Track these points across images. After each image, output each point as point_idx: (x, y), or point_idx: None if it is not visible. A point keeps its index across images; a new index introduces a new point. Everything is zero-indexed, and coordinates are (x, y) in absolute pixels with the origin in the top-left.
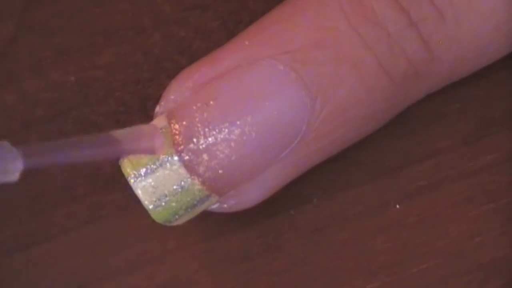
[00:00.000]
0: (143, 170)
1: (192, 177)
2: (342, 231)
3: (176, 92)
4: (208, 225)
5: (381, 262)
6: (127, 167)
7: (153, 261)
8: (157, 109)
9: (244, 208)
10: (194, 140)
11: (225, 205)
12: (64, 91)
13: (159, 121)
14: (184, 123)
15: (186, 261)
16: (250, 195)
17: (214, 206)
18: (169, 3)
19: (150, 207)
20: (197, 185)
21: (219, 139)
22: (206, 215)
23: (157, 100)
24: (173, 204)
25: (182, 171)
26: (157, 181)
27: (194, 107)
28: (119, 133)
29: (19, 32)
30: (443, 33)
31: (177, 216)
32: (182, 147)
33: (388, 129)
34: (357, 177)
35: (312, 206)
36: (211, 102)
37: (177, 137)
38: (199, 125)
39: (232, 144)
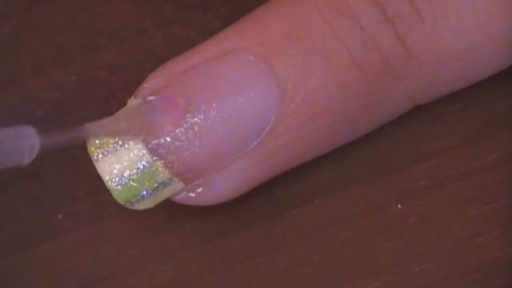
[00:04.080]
0: (106, 149)
1: (154, 158)
2: (344, 231)
3: (150, 82)
4: (209, 225)
5: (382, 262)
6: (92, 146)
7: (154, 261)
8: (131, 98)
9: (214, 202)
10: None
11: (192, 194)
12: (65, 91)
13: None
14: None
15: (188, 261)
16: (218, 186)
17: (181, 196)
18: (170, 3)
19: (111, 185)
20: (159, 166)
21: (182, 122)
22: (208, 215)
23: None
24: (134, 184)
25: (145, 151)
26: (119, 160)
27: (163, 93)
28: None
29: (21, 32)
30: (420, 30)
31: (138, 198)
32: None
33: (389, 129)
34: (359, 177)
35: (314, 206)
36: (180, 88)
37: None
38: None
39: (196, 128)
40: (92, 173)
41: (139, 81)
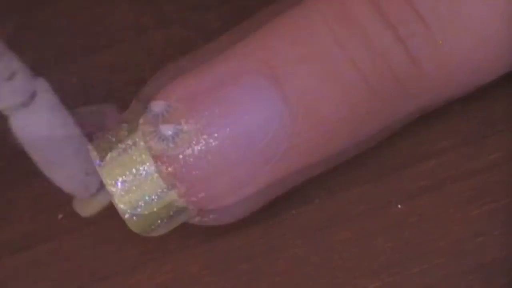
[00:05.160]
0: (120, 179)
1: (169, 187)
2: (344, 231)
3: (161, 102)
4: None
5: (382, 262)
6: (106, 175)
7: (154, 261)
8: (141, 121)
9: (226, 222)
10: None
11: (206, 219)
12: (66, 91)
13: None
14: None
15: (188, 261)
16: (231, 210)
17: (194, 220)
18: (170, 3)
19: (126, 216)
20: (174, 196)
21: (196, 151)
22: None
23: None
24: (150, 214)
25: (159, 181)
26: (133, 190)
27: (174, 120)
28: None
29: (21, 32)
30: (432, 49)
31: (153, 227)
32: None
33: None
34: (359, 177)
35: (314, 206)
36: (192, 115)
37: None
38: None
39: (210, 156)
40: None
41: (139, 81)
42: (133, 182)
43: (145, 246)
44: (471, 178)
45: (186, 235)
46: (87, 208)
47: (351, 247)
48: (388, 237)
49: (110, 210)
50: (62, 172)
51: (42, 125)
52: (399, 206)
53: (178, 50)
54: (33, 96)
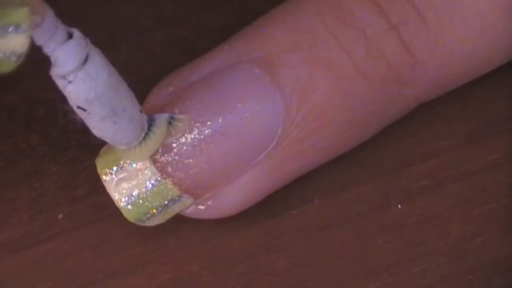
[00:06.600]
0: (115, 168)
1: (163, 176)
2: (344, 231)
3: (157, 96)
4: (209, 225)
5: (382, 262)
6: (101, 164)
7: (154, 261)
8: None
9: (224, 215)
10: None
11: (202, 207)
12: None
13: None
14: None
15: (188, 261)
16: (227, 200)
17: (191, 209)
18: (170, 3)
19: (121, 204)
20: (168, 184)
21: (189, 139)
22: None
23: None
24: (144, 202)
25: (154, 170)
26: (128, 179)
27: (169, 109)
28: None
29: None
30: (425, 37)
31: (148, 215)
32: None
33: (390, 129)
34: (359, 177)
35: (314, 206)
36: (186, 103)
37: None
38: None
39: (202, 145)
40: (92, 173)
41: (139, 81)
42: (128, 171)
43: (145, 246)
44: (471, 178)
45: (186, 235)
46: (143, 152)
47: (351, 247)
48: (388, 237)
49: (110, 210)
50: (125, 117)
51: (104, 75)
52: (399, 206)
53: (178, 50)
54: (88, 51)
